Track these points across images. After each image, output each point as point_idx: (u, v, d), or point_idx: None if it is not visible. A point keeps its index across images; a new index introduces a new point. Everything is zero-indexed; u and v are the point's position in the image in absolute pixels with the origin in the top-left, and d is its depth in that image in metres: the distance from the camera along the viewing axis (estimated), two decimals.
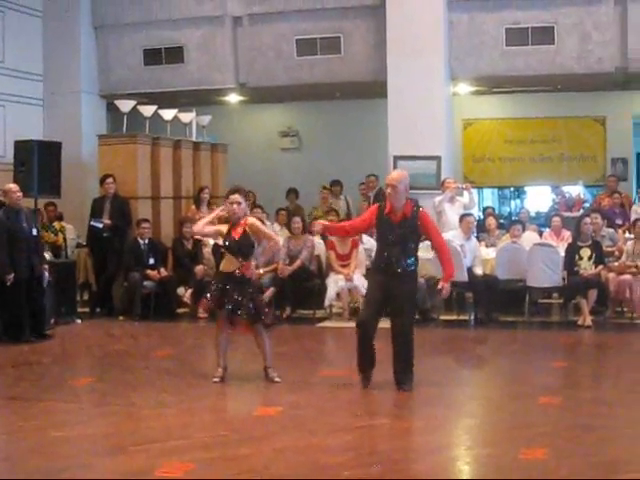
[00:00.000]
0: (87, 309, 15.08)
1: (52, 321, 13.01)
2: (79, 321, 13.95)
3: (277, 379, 9.25)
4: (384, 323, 9.01)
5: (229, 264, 9.29)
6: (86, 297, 15.80)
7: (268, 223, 15.81)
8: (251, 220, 9.45)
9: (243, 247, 9.21)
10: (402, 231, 8.82)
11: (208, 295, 9.34)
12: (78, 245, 16.03)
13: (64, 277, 13.86)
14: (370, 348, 8.95)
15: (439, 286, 9.19)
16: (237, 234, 9.19)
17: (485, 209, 18.23)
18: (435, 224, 9.64)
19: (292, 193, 18.40)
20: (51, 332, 12.57)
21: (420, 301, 13.38)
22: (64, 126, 17.53)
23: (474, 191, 15.92)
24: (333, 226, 10.34)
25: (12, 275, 11.83)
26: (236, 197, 9.25)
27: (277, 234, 15.22)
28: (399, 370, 8.91)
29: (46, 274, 12.58)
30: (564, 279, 13.36)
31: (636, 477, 6.15)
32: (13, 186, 12.32)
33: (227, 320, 9.28)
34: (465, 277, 13.20)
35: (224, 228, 9.39)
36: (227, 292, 9.18)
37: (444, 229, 14.23)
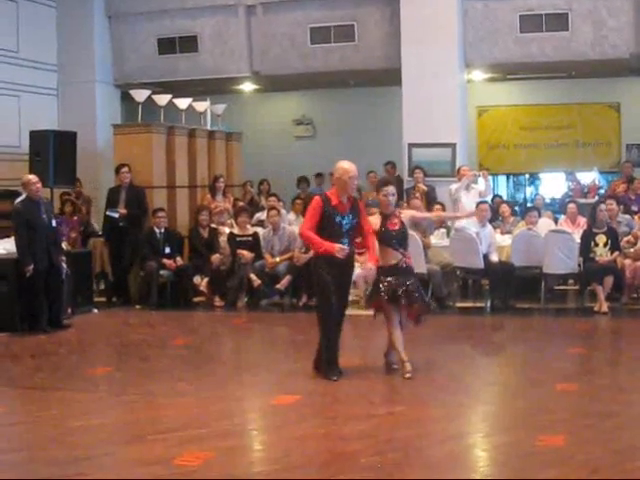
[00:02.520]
0: (104, 299, 15.11)
1: (69, 311, 13.05)
2: (96, 311, 13.97)
3: (408, 375, 8.80)
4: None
5: (390, 257, 9.10)
6: (103, 287, 15.82)
7: (284, 211, 15.82)
8: (410, 212, 9.49)
9: (403, 239, 9.15)
10: (350, 221, 8.87)
11: (381, 292, 9.07)
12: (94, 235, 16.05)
13: (81, 267, 13.88)
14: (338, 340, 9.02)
15: (367, 265, 9.08)
16: (394, 225, 9.10)
17: (494, 198, 18.05)
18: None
19: (303, 182, 18.39)
20: (68, 322, 12.59)
21: (436, 288, 13.42)
22: (79, 116, 17.58)
23: (490, 178, 15.88)
24: (313, 243, 9.14)
25: (31, 266, 11.87)
26: (391, 189, 9.16)
27: (294, 223, 15.29)
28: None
29: (64, 265, 12.63)
30: (580, 266, 13.34)
31: None
32: (32, 177, 12.28)
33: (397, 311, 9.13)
34: (481, 264, 13.18)
35: (376, 221, 9.20)
36: (399, 284, 9.01)
37: None
